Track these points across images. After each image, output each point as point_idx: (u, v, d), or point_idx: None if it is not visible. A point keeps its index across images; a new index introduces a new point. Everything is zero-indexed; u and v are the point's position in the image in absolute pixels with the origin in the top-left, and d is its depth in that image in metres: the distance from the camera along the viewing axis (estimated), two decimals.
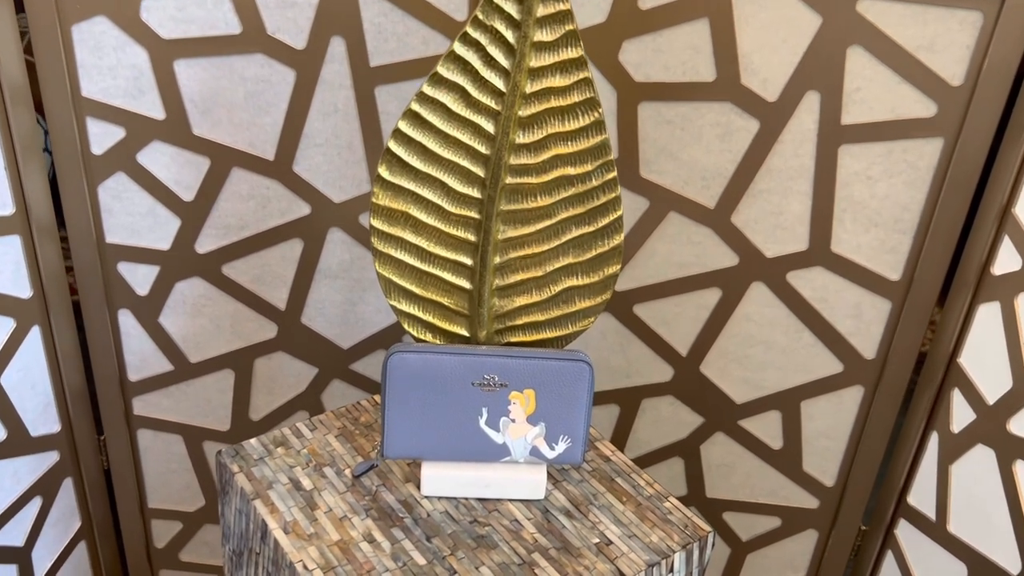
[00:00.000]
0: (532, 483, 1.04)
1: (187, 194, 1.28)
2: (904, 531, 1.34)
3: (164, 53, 1.18)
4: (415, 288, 1.00)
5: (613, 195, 0.95)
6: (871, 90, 1.14)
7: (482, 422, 1.01)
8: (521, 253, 0.98)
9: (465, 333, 1.02)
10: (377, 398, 1.20)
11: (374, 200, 0.95)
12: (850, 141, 1.17)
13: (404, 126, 0.91)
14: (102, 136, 1.24)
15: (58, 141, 1.23)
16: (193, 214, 1.29)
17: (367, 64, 1.20)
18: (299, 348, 1.38)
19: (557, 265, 0.99)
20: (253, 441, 1.10)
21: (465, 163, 0.93)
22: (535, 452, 1.02)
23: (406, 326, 1.02)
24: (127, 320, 1.36)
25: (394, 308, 1.01)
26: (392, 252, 0.98)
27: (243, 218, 1.30)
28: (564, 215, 0.96)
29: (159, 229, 1.30)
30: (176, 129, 1.23)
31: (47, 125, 1.22)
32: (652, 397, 1.41)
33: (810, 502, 1.42)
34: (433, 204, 0.95)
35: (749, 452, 1.41)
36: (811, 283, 1.27)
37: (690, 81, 1.17)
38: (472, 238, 0.97)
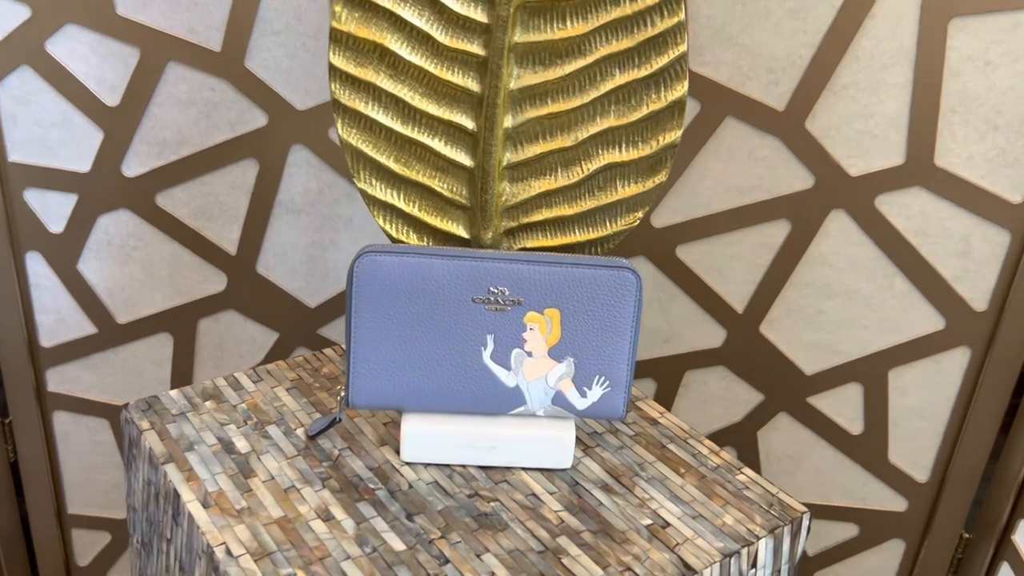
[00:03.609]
0: (555, 444, 0.75)
1: (111, 97, 1.01)
2: None
3: None
4: (393, 164, 0.72)
5: (675, 20, 0.67)
6: None
7: (486, 355, 0.72)
8: (542, 111, 0.70)
9: (463, 234, 0.74)
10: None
11: (335, 24, 0.67)
12: (964, 12, 0.91)
13: None
14: (0, 17, 0.97)
15: None
16: (119, 124, 1.02)
17: None
18: (254, 306, 1.10)
19: (593, 130, 0.71)
20: (173, 392, 0.81)
21: None
22: (559, 400, 0.73)
23: (381, 221, 0.74)
24: (37, 266, 1.08)
25: (364, 195, 0.73)
26: (360, 108, 0.70)
27: (182, 130, 1.03)
28: (604, 51, 0.68)
29: (76, 144, 1.03)
30: (96, 8, 0.97)
31: None
32: (698, 368, 1.12)
33: (897, 503, 1.12)
34: (419, 32, 0.68)
35: (820, 439, 1.12)
36: (907, 210, 0.99)
37: None
38: (474, 86, 0.69)
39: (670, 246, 1.09)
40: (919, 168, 0.98)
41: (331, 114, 1.04)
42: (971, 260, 1.01)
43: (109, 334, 1.13)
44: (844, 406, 1.11)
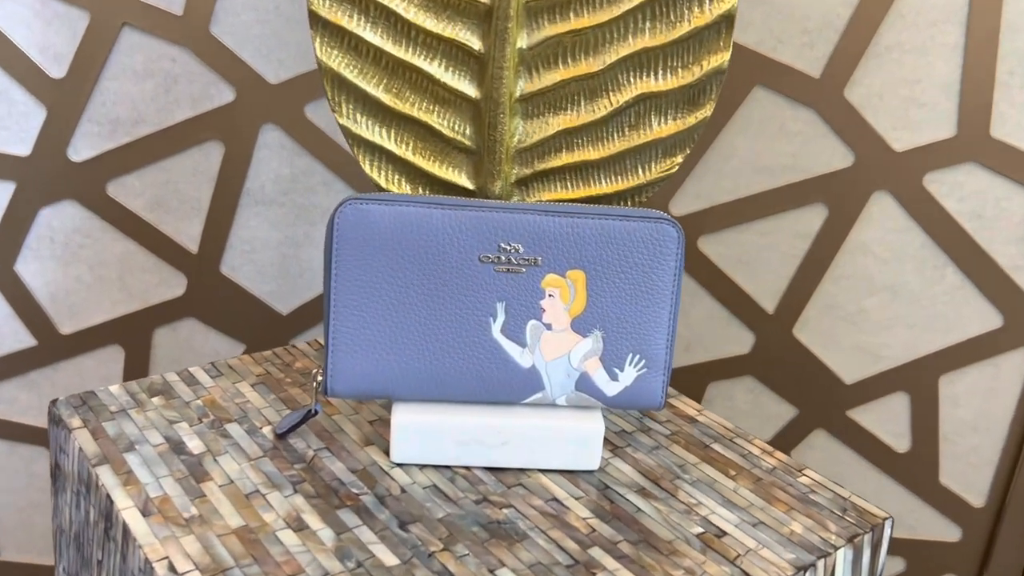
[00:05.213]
0: (581, 440, 0.62)
1: (56, 68, 0.89)
2: None
3: None
4: (383, 95, 0.59)
5: None
6: None
7: (495, 328, 0.59)
8: (563, 27, 0.59)
9: (466, 184, 0.62)
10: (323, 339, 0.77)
11: None
12: None
13: None
14: None
15: None
16: (65, 100, 0.90)
17: None
18: (217, 313, 0.98)
19: (623, 52, 0.59)
20: (113, 387, 0.67)
21: None
22: (585, 385, 0.61)
23: (367, 168, 0.61)
24: None
25: (347, 133, 0.60)
26: (343, 22, 0.58)
27: (137, 107, 0.91)
28: None
29: (15, 123, 0.91)
30: None
31: None
32: (723, 379, 1.00)
33: (950, 532, 1.00)
34: None
35: (862, 459, 1.00)
36: (959, 189, 0.88)
37: None
38: None
39: (690, 237, 0.97)
40: (973, 141, 0.87)
41: (309, 89, 0.92)
42: None
43: (51, 347, 0.99)
44: (889, 420, 0.98)
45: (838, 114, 0.90)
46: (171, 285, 0.99)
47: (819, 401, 0.99)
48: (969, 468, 0.99)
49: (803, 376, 0.99)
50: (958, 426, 0.97)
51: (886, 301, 0.94)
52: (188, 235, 0.97)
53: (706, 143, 0.93)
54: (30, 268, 0.96)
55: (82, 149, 0.93)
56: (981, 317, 0.93)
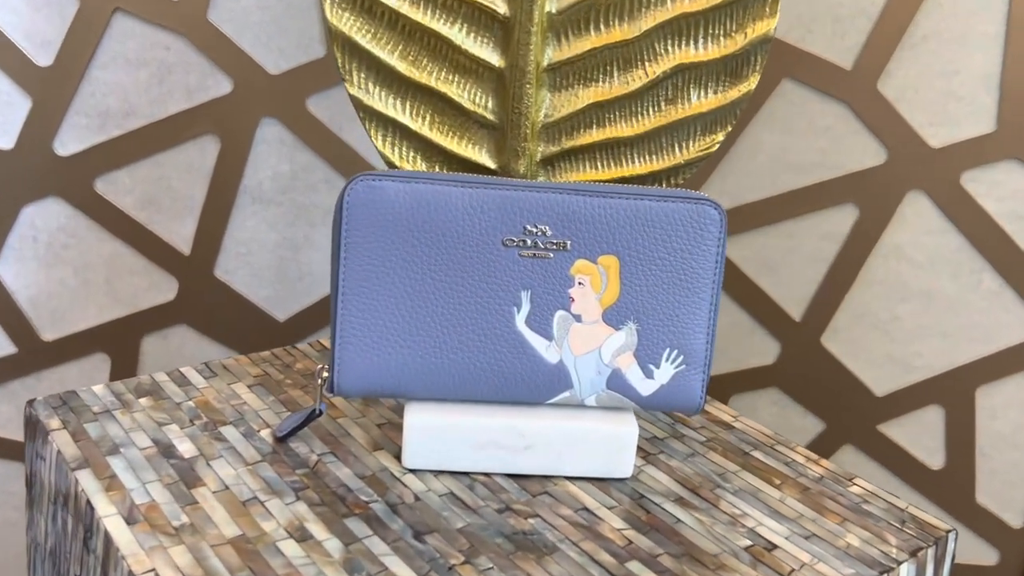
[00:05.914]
0: (613, 444, 0.56)
1: (43, 55, 0.84)
2: None
3: None
4: (398, 62, 0.54)
5: None
6: None
7: (520, 319, 0.54)
8: None
9: (487, 162, 0.57)
10: (327, 341, 0.72)
11: None
12: None
13: None
14: None
15: None
16: (52, 89, 0.86)
17: None
18: (211, 319, 0.94)
19: (661, 18, 0.54)
20: (97, 387, 0.61)
21: None
22: (617, 383, 0.55)
23: (380, 143, 0.56)
24: None
25: (358, 105, 0.55)
26: None
27: (129, 98, 0.86)
28: None
29: None
30: None
31: None
32: (746, 391, 0.96)
33: (986, 555, 0.94)
34: None
35: (893, 476, 0.95)
36: (998, 188, 0.84)
37: None
38: None
39: None
40: (1014, 136, 0.83)
41: (310, 80, 0.87)
42: None
43: (31, 354, 0.93)
44: (922, 434, 0.93)
45: (870, 108, 0.85)
46: (161, 289, 0.93)
47: (848, 414, 0.94)
48: (1007, 486, 0.93)
49: (831, 388, 0.93)
50: (996, 441, 0.92)
51: (920, 308, 0.89)
52: (180, 236, 0.92)
53: (730, 140, 0.88)
54: (11, 269, 0.90)
55: (69, 142, 0.88)
56: (1021, 324, 0.88)
